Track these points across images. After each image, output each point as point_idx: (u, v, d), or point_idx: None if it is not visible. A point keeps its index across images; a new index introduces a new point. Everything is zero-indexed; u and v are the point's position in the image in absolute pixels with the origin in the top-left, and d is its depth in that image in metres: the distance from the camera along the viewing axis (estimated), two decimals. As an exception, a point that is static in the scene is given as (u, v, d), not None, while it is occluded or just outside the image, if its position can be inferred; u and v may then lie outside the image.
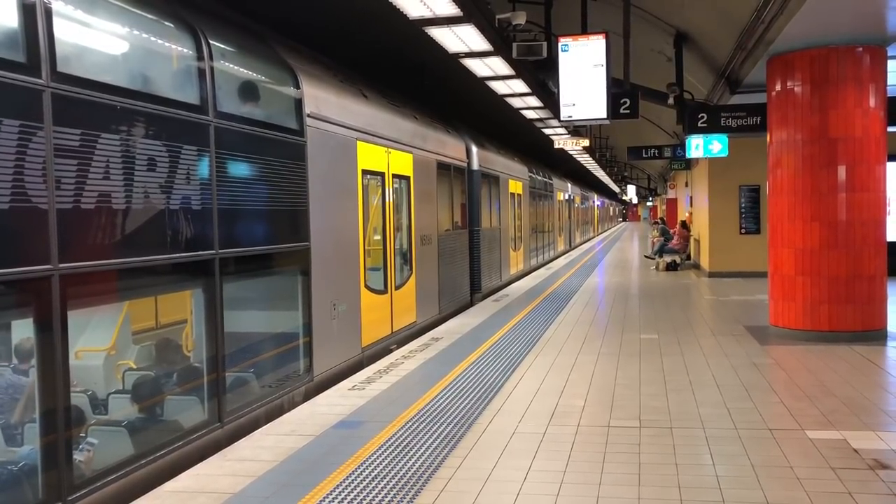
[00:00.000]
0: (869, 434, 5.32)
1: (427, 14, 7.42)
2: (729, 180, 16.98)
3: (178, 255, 5.23)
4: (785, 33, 7.89)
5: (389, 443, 5.29)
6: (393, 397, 6.57)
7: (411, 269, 10.47)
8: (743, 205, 17.12)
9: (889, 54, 8.82)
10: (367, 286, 8.64)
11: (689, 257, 21.35)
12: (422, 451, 5.11)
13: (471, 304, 13.90)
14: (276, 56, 7.07)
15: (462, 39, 8.43)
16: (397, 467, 4.79)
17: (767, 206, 9.67)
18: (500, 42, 9.12)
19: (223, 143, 5.67)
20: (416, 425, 5.71)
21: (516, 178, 19.05)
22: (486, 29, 8.29)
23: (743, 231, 17.12)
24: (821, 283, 8.82)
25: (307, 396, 6.85)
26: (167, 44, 5.63)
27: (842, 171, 8.71)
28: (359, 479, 4.57)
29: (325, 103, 7.62)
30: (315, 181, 7.21)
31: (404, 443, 5.29)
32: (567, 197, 32.19)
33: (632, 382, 7.02)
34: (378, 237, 9.36)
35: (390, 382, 7.11)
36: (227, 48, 6.26)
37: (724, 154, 14.20)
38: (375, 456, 5.01)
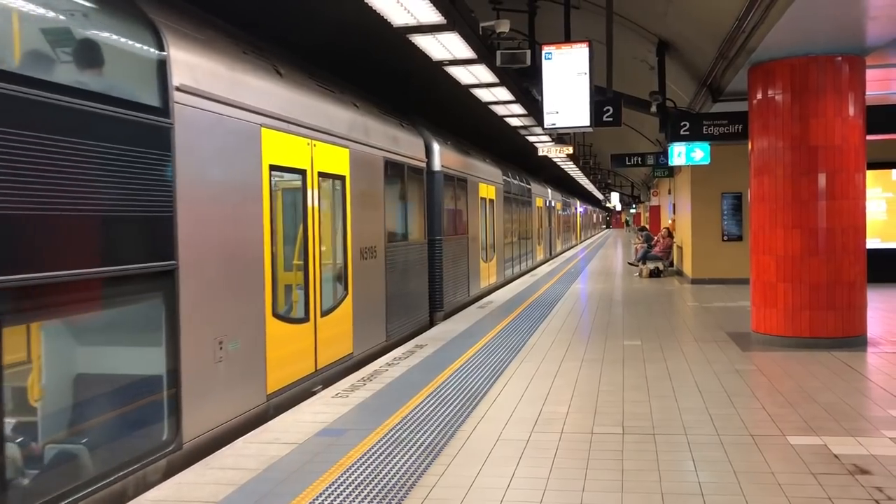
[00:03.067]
0: (849, 440, 5.37)
1: (411, 22, 7.43)
2: (711, 187, 17.11)
3: None
4: (766, 42, 7.98)
5: (373, 451, 5.27)
6: (377, 405, 6.55)
7: (346, 288, 8.65)
8: (725, 212, 17.25)
9: (868, 64, 8.93)
10: (276, 314, 6.87)
11: (672, 264, 21.47)
12: (405, 458, 5.10)
13: (430, 324, 12.37)
14: (126, 4, 5.21)
15: (446, 47, 8.46)
16: (381, 475, 4.77)
17: (749, 213, 9.75)
18: (484, 50, 9.16)
19: (3, 116, 3.93)
20: (400, 433, 5.70)
21: (488, 182, 17.59)
22: (469, 37, 8.32)
23: (725, 238, 17.24)
24: (802, 289, 8.89)
25: (171, 472, 5.09)
26: None
27: (822, 179, 8.80)
28: (342, 488, 4.55)
29: (210, 75, 5.86)
30: (188, 179, 5.44)
31: (388, 450, 5.27)
32: (547, 203, 31.02)
33: (615, 389, 7.04)
34: (296, 251, 7.69)
35: (374, 390, 7.09)
36: None
37: (707, 162, 14.30)
38: (359, 464, 4.99)
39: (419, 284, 11.92)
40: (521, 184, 23.45)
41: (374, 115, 10.00)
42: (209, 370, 5.73)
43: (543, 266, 26.12)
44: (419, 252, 11.99)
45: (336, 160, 8.40)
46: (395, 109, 11.81)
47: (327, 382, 7.83)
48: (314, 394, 7.42)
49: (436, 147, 12.85)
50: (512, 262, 21.34)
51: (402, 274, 10.91)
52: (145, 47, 5.22)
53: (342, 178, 8.61)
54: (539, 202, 27.89)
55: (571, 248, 42.81)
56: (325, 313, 7.99)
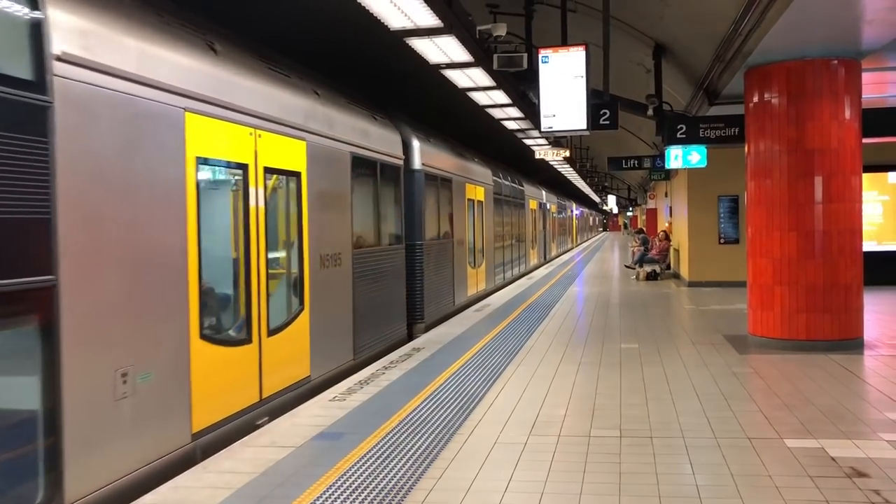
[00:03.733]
0: (846, 442, 5.37)
1: (409, 25, 7.44)
2: (708, 190, 17.14)
3: None
4: (762, 45, 7.99)
5: (370, 454, 5.26)
6: (374, 408, 6.54)
7: (302, 302, 7.49)
8: (722, 215, 17.27)
9: (864, 67, 8.96)
10: (205, 336, 5.74)
11: (668, 267, 21.49)
12: (403, 462, 5.09)
13: (409, 337, 11.31)
14: None
15: (443, 50, 8.46)
16: (378, 479, 4.76)
17: (746, 216, 9.76)
18: (481, 53, 9.17)
19: None
20: (397, 436, 5.69)
21: (476, 183, 16.54)
22: (467, 40, 8.33)
23: (722, 241, 17.26)
24: (798, 292, 8.90)
25: None
26: None
27: (818, 182, 8.82)
28: (339, 492, 4.54)
29: (109, 45, 4.77)
30: (74, 171, 4.39)
31: (385, 454, 5.26)
32: (542, 205, 29.87)
33: (612, 392, 7.04)
34: (234, 259, 6.47)
35: (371, 393, 7.08)
36: None
37: (703, 165, 14.33)
38: (356, 468, 4.98)
39: (395, 294, 10.76)
40: (514, 185, 22.44)
41: (339, 105, 8.83)
42: (106, 410, 4.61)
43: (538, 271, 25.06)
44: (395, 258, 10.78)
45: (289, 154, 7.24)
46: (370, 102, 10.67)
47: (277, 412, 6.70)
48: (257, 427, 6.30)
49: (415, 144, 11.83)
50: (503, 268, 20.26)
51: (375, 283, 9.73)
52: (12, 3, 4.09)
53: (297, 174, 7.43)
54: (533, 204, 26.81)
55: (568, 251, 41.69)
56: (273, 332, 6.80)
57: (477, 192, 16.66)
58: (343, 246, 8.67)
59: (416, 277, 11.74)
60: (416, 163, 11.81)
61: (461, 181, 14.94)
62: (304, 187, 7.59)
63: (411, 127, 12.10)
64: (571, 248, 45.23)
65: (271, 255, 6.95)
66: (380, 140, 10.10)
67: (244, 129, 6.41)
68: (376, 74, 13.64)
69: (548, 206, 32.09)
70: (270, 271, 6.86)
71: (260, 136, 6.66)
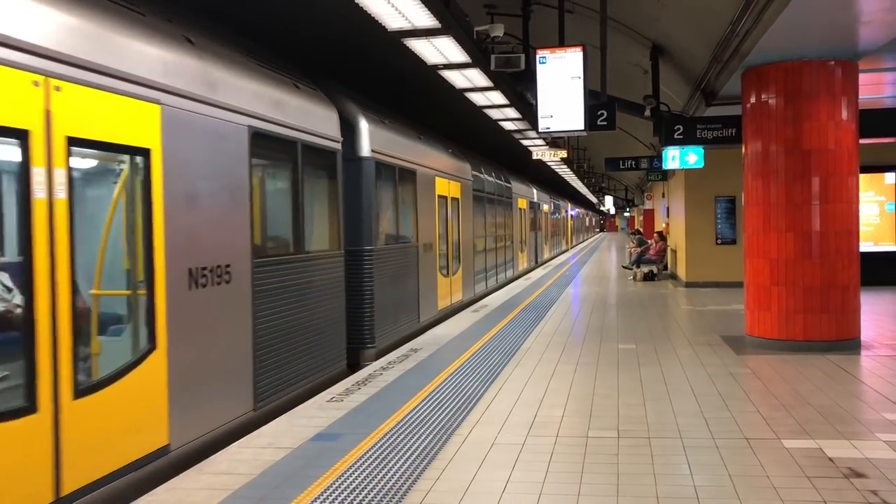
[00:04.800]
0: (843, 443, 5.38)
1: (406, 26, 7.45)
2: (705, 191, 17.17)
3: None
4: (759, 46, 8.01)
5: (368, 455, 5.26)
6: (372, 409, 6.53)
7: (152, 337, 5.19)
8: (719, 215, 17.30)
9: (861, 68, 8.97)
10: None
11: (666, 267, 21.51)
12: (400, 463, 5.09)
13: (351, 368, 9.03)
14: None
15: (441, 51, 8.47)
16: (375, 480, 4.76)
17: (743, 216, 9.77)
18: (479, 54, 9.18)
19: None
20: (394, 437, 5.68)
21: (450, 177, 14.20)
22: (464, 41, 8.34)
23: (719, 241, 17.29)
24: (796, 293, 8.91)
25: None
26: None
27: (815, 183, 8.83)
28: (336, 493, 4.54)
29: None
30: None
31: (383, 455, 5.26)
32: (533, 204, 27.70)
33: (610, 392, 7.04)
34: (15, 281, 4.44)
35: (369, 394, 7.08)
36: None
37: (700, 165, 14.34)
38: (353, 468, 4.98)
39: (328, 314, 8.30)
40: (499, 182, 20.13)
41: (231, 62, 6.56)
42: None
43: (529, 275, 23.04)
44: (328, 268, 8.36)
45: (124, 120, 4.98)
46: (299, 70, 8.57)
47: (119, 500, 4.74)
48: None
49: (364, 125, 9.53)
50: (485, 274, 18.04)
51: (291, 302, 7.39)
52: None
53: (143, 152, 5.19)
54: (522, 203, 24.57)
55: (562, 253, 39.63)
56: (87, 390, 4.53)
57: (452, 188, 14.33)
58: (235, 255, 6.33)
59: (362, 291, 9.44)
60: (364, 148, 9.54)
61: (430, 174, 12.63)
62: (156, 170, 5.29)
63: (359, 105, 9.80)
64: (567, 250, 43.38)
65: (83, 271, 4.89)
66: (302, 114, 7.76)
67: (22, 76, 4.14)
68: (320, 38, 11.37)
69: (540, 206, 30.25)
70: (80, 295, 4.72)
71: (58, 88, 4.39)
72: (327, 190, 8.74)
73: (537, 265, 28.26)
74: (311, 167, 8.09)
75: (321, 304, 8.09)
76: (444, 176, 13.78)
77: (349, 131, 9.35)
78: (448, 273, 14.03)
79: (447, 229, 14.06)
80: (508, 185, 21.71)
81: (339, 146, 8.80)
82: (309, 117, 7.95)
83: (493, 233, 19.27)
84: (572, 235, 51.74)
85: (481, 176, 17.58)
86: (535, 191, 28.39)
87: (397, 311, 10.67)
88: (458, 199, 14.92)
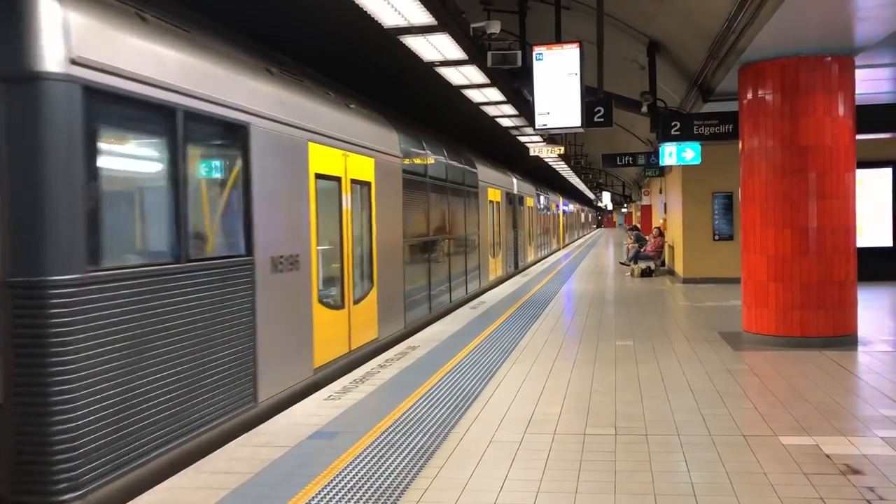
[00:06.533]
0: (841, 439, 5.38)
1: (402, 23, 7.44)
2: (702, 187, 17.17)
3: None
4: (756, 42, 8.00)
5: (365, 453, 5.26)
6: (369, 407, 6.53)
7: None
8: (716, 211, 17.31)
9: (857, 64, 8.98)
10: None
11: (663, 263, 21.54)
12: (398, 461, 5.09)
13: None
14: None
15: (437, 48, 8.47)
16: (373, 478, 4.76)
17: (740, 212, 9.78)
18: (475, 51, 9.17)
19: None
20: (392, 435, 5.69)
21: (351, 148, 9.06)
22: (460, 38, 8.33)
23: (716, 237, 17.30)
24: (793, 288, 8.92)
25: None
26: None
27: (812, 179, 8.83)
28: (335, 491, 4.54)
29: None
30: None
31: (380, 453, 5.26)
32: (510, 197, 22.58)
33: (608, 389, 7.04)
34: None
35: (367, 392, 7.08)
36: None
37: (697, 161, 14.36)
38: (351, 467, 4.98)
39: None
40: (456, 164, 15.18)
41: None
42: None
43: (502, 287, 18.06)
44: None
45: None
46: None
47: None
48: None
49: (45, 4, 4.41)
50: (430, 294, 12.87)
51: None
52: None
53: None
54: (494, 195, 19.67)
55: (552, 254, 34.76)
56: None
57: (356, 166, 9.23)
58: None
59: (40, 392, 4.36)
60: (49, 55, 4.41)
61: (292, 137, 7.44)
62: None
63: None
64: (557, 250, 38.06)
65: None
66: None
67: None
68: None
69: (522, 199, 25.07)
70: None
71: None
72: None
73: (517, 271, 23.49)
74: None
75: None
76: (338, 144, 8.64)
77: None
78: (343, 303, 8.81)
79: (343, 229, 8.89)
80: (473, 170, 16.92)
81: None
82: None
83: (445, 233, 14.25)
84: (564, 233, 45.65)
85: (421, 152, 12.50)
86: (514, 180, 23.65)
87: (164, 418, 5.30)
88: (369, 184, 9.78)
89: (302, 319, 7.61)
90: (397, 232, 11.11)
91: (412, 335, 10.65)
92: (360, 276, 9.63)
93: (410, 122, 13.39)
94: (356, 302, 9.25)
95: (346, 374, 8.26)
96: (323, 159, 8.27)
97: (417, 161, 12.32)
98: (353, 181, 9.26)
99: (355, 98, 10.47)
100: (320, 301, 8.11)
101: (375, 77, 14.06)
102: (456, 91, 11.70)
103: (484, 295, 15.93)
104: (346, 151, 8.99)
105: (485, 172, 18.47)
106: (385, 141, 10.56)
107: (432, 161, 13.36)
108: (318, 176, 8.10)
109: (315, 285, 7.95)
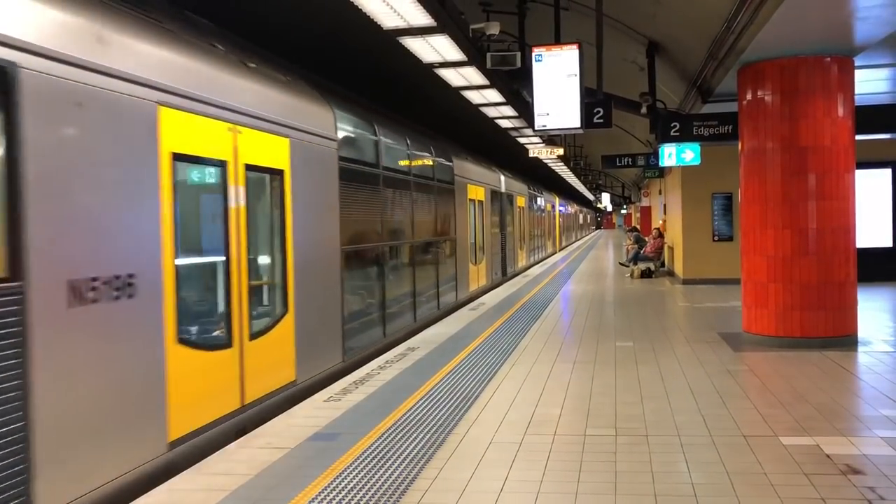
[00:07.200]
0: (841, 440, 5.38)
1: (401, 25, 7.44)
2: (702, 188, 17.17)
3: None
4: (755, 43, 8.01)
5: (365, 454, 5.25)
6: (369, 408, 6.53)
7: None
8: (716, 212, 17.31)
9: (856, 64, 8.98)
10: None
11: (663, 264, 21.54)
12: (398, 462, 5.08)
13: None
14: None
15: (436, 49, 8.46)
16: (373, 479, 4.75)
17: (740, 213, 9.78)
18: (475, 52, 9.17)
19: None
20: (392, 436, 5.68)
21: (248, 123, 6.60)
22: (460, 39, 8.33)
23: (716, 238, 17.30)
24: (793, 289, 8.92)
25: None
26: None
27: (812, 180, 8.83)
28: (334, 493, 4.53)
29: None
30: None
31: (380, 454, 5.25)
32: (498, 195, 20.47)
33: (608, 390, 7.04)
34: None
35: (367, 393, 7.07)
36: None
37: (697, 162, 14.36)
38: (351, 468, 4.97)
39: None
40: (422, 154, 12.94)
41: None
42: None
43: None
44: None
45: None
46: None
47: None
48: None
49: None
50: (383, 314, 10.46)
51: None
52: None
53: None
54: (475, 192, 17.35)
55: (547, 257, 32.66)
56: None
57: (247, 147, 6.61)
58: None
59: None
60: None
61: (130, 97, 5.02)
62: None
63: None
64: (553, 254, 35.61)
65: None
66: None
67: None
68: None
69: (512, 198, 22.74)
70: None
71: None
72: None
73: (506, 278, 21.25)
74: None
75: None
76: (221, 114, 6.20)
77: None
78: (230, 340, 6.32)
79: (231, 235, 6.34)
80: (448, 163, 14.81)
81: None
82: None
83: (407, 237, 11.86)
84: (561, 236, 42.51)
85: (374, 139, 10.28)
86: (502, 177, 21.27)
87: None
88: (281, 173, 7.30)
89: (140, 373, 5.06)
90: (331, 237, 8.55)
91: (358, 367, 8.58)
92: (264, 298, 7.24)
93: (357, 101, 10.82)
94: (255, 336, 6.69)
95: (238, 437, 6.12)
96: (189, 133, 5.73)
97: (365, 148, 9.91)
98: (251, 167, 6.67)
99: (271, 63, 8.00)
100: (180, 341, 5.53)
101: (320, 47, 11.26)
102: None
103: (483, 296, 15.91)
104: (235, 125, 6.41)
105: (463, 167, 16.15)
106: (310, 118, 8.01)
107: (388, 149, 10.80)
108: (179, 157, 5.57)
109: (170, 318, 5.39)
